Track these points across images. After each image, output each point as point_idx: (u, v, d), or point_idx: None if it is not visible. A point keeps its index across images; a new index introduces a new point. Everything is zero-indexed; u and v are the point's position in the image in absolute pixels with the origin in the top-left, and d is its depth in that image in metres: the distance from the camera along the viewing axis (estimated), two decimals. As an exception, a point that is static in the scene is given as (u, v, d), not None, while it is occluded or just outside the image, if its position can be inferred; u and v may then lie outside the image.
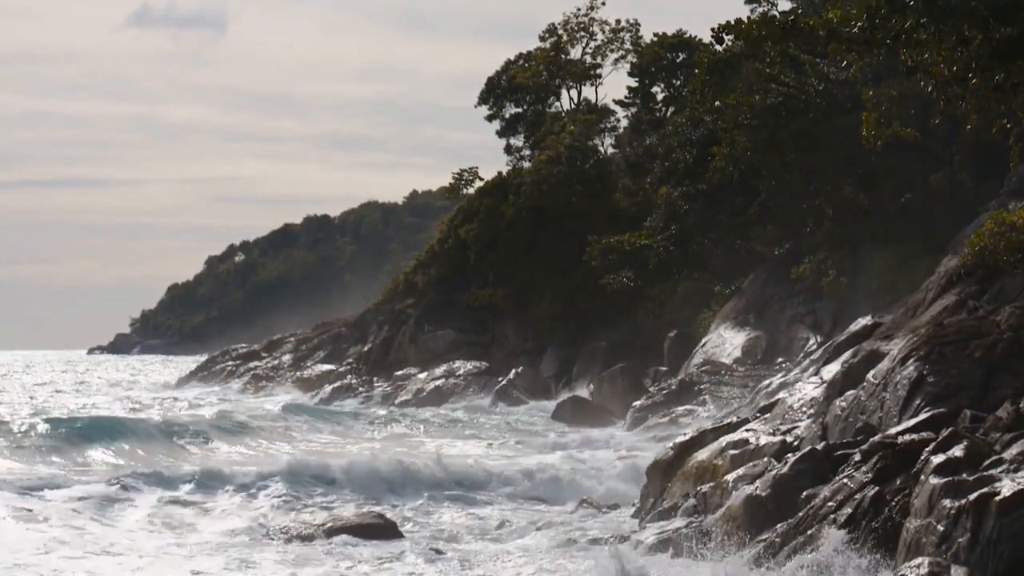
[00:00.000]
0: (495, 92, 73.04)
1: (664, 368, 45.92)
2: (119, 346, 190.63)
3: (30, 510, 22.90)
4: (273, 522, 22.70)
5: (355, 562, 19.38)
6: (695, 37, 63.56)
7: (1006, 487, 13.78)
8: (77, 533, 21.47)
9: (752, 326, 41.39)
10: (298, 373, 67.15)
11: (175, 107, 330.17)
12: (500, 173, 65.93)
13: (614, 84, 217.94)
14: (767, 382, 30.78)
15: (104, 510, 23.65)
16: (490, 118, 73.29)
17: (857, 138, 33.52)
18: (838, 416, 19.59)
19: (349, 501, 25.45)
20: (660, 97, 66.09)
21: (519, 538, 21.64)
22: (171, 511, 24.09)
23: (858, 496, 15.82)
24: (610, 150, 67.59)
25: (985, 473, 14.39)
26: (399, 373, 59.85)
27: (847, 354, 22.30)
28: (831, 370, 22.33)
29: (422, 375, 57.53)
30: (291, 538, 21.09)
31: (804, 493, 16.86)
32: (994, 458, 14.77)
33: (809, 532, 16.04)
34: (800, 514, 16.48)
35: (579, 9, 71.30)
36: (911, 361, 18.69)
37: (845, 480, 16.29)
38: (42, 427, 34.35)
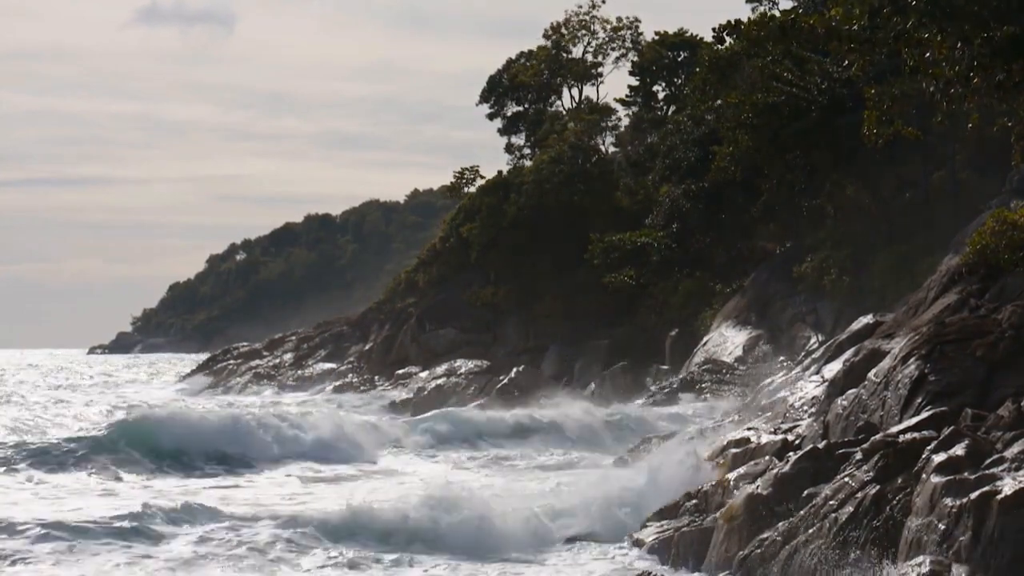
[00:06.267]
0: (496, 91, 73.04)
1: (666, 366, 45.90)
2: (121, 345, 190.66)
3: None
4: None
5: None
6: (696, 36, 63.58)
7: (1007, 486, 13.78)
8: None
9: (754, 325, 41.37)
10: (299, 372, 67.14)
11: (177, 105, 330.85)
12: (501, 172, 65.94)
13: (615, 83, 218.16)
14: (768, 381, 30.76)
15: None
16: (491, 116, 73.34)
17: (859, 137, 33.59)
18: (839, 415, 19.59)
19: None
20: (661, 96, 66.09)
21: None
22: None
23: (859, 495, 15.82)
24: (611, 149, 67.67)
25: (986, 472, 14.40)
26: (400, 372, 59.87)
27: (848, 353, 22.29)
28: (832, 369, 22.34)
29: (424, 374, 57.55)
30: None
31: (805, 492, 16.86)
32: (995, 456, 14.77)
33: (810, 531, 16.05)
34: (801, 513, 16.49)
35: (580, 7, 71.45)
36: (912, 360, 18.69)
37: (846, 479, 16.30)
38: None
